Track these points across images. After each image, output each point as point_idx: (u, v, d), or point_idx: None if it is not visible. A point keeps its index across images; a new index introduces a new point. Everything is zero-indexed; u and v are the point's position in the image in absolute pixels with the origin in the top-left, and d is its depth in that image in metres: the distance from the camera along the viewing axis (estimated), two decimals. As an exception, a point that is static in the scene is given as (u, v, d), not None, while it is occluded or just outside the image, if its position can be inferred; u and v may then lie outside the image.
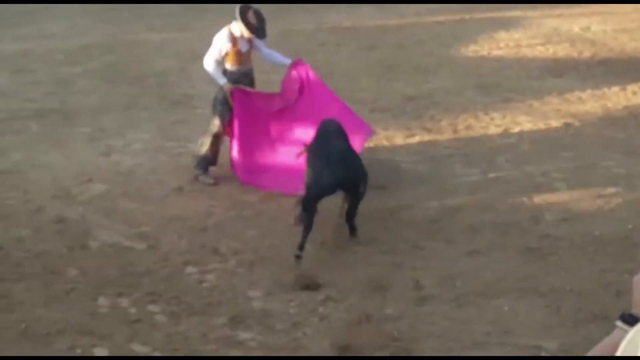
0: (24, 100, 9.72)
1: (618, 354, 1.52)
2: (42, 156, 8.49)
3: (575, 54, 11.98)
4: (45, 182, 7.90)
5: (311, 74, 8.19)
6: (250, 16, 7.96)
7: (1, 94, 10.33)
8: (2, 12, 14.82)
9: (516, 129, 9.15)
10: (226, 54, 8.02)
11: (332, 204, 7.36)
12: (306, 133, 7.56)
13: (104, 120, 9.47)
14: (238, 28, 7.96)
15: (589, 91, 10.34)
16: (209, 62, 8.04)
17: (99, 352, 5.32)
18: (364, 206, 7.33)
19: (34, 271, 6.26)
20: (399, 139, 8.92)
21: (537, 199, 7.42)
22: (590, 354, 1.90)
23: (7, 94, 10.34)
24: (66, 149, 8.67)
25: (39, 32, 13.15)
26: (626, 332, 1.83)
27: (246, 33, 7.92)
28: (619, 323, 1.89)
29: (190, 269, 6.36)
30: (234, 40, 7.98)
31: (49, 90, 10.51)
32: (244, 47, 8.05)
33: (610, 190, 7.56)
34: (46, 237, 6.81)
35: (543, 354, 5.20)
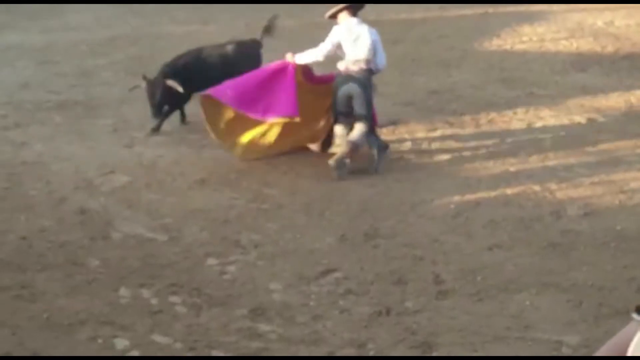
0: (48, 92, 9.79)
1: (630, 349, 1.51)
2: (65, 147, 8.55)
3: (599, 49, 11.90)
4: (68, 173, 7.96)
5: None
6: None
7: (26, 85, 10.41)
8: (28, 5, 14.93)
9: (539, 124, 9.10)
10: None
11: (356, 194, 7.37)
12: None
13: (126, 112, 9.52)
14: None
15: (612, 86, 10.27)
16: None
17: (120, 342, 5.35)
18: (384, 200, 7.34)
19: (57, 261, 6.31)
20: (421, 133, 8.89)
21: (560, 194, 7.38)
22: (606, 346, 1.89)
23: (32, 85, 10.43)
24: (89, 141, 8.72)
25: (64, 24, 13.24)
26: None
27: None
28: (634, 315, 1.87)
29: (211, 261, 6.38)
30: None
31: (72, 82, 10.58)
32: None
33: (633, 185, 7.51)
34: (69, 227, 6.86)
35: (564, 349, 5.17)
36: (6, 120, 9.22)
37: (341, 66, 8.10)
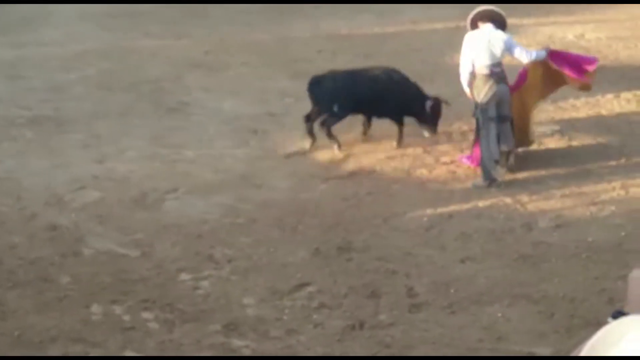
0: (18, 107, 9.73)
1: (585, 349, 1.51)
2: (36, 163, 8.48)
3: (570, 62, 11.99)
4: (38, 189, 7.89)
5: None
6: None
7: (-4, 100, 10.33)
8: (-1, 20, 14.83)
9: (511, 136, 9.13)
10: None
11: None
12: None
13: (98, 127, 9.46)
14: None
15: (583, 99, 10.33)
16: None
17: None
18: (357, 213, 7.35)
19: (27, 278, 6.25)
20: (395, 147, 8.91)
21: (531, 206, 7.42)
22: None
23: (2, 100, 10.34)
24: (60, 156, 8.66)
25: (35, 39, 13.14)
26: None
27: None
28: (610, 320, 1.88)
29: (184, 276, 6.35)
30: None
31: (43, 97, 10.50)
32: None
33: (604, 197, 7.57)
34: (39, 244, 6.81)
35: (536, 361, 5.20)
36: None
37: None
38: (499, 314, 5.70)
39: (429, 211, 7.37)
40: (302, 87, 9.95)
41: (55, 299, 5.99)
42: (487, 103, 8.14)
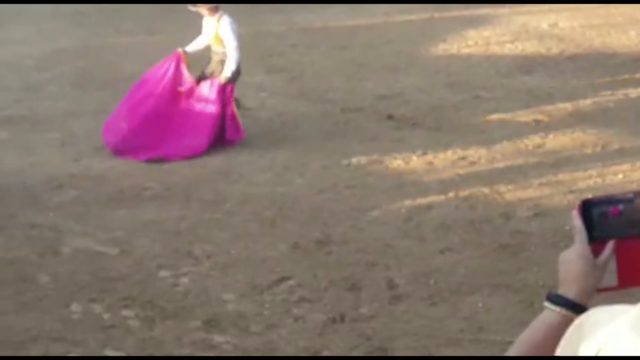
0: (-8, 107, 9.65)
1: (559, 349, 1.52)
2: (12, 162, 8.42)
3: (543, 51, 12.08)
4: (15, 188, 7.83)
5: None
6: None
7: (-31, 100, 10.24)
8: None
9: (486, 126, 9.19)
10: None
11: (304, 199, 7.38)
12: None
13: (74, 126, 9.40)
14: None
15: (557, 87, 10.42)
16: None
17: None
18: (335, 206, 7.36)
19: (5, 278, 6.21)
20: (370, 138, 8.93)
21: (509, 195, 7.46)
22: (519, 345, 1.88)
23: (-25, 100, 10.25)
24: (36, 155, 8.60)
25: (6, 37, 13.03)
26: (557, 312, 1.84)
27: None
28: (547, 304, 1.89)
29: (163, 273, 6.33)
30: None
31: (17, 96, 10.42)
32: None
33: (581, 185, 7.63)
34: (17, 244, 6.76)
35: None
36: (-51, 137, 9.05)
37: None
38: (480, 304, 5.73)
39: (407, 202, 7.39)
40: (277, 81, 9.96)
41: (34, 298, 5.95)
42: None
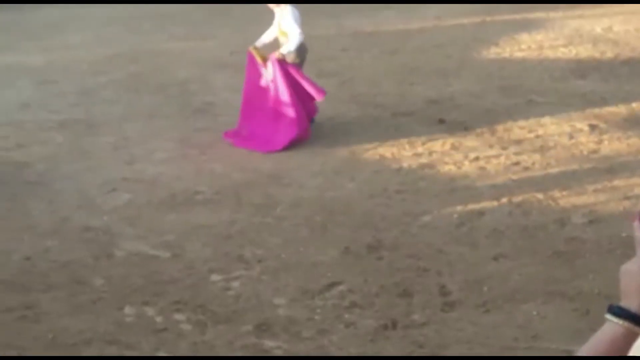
0: (48, 111, 9.80)
1: (632, 353, 1.48)
2: (67, 166, 8.54)
3: (598, 55, 11.90)
4: (70, 192, 7.95)
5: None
6: None
7: (26, 105, 10.41)
8: (27, 24, 14.96)
9: (540, 131, 9.09)
10: None
11: (356, 202, 7.36)
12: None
13: (127, 130, 9.52)
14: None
15: (612, 91, 10.26)
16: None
17: (126, 361, 5.33)
18: (386, 211, 7.33)
19: (60, 281, 6.29)
20: (422, 143, 8.88)
21: (563, 202, 7.36)
22: (583, 352, 1.85)
23: (32, 105, 10.43)
24: (90, 159, 8.72)
25: (63, 43, 13.25)
26: (619, 325, 1.81)
27: None
28: (609, 316, 1.85)
29: (215, 277, 6.36)
30: None
31: (73, 101, 10.58)
32: None
33: (637, 191, 7.48)
34: (72, 247, 6.85)
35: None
36: (7, 141, 9.21)
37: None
38: (534, 312, 5.64)
39: (459, 208, 7.33)
40: (328, 85, 9.95)
41: (88, 301, 6.01)
42: None
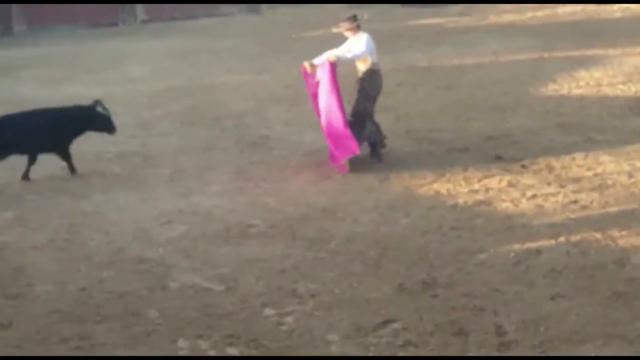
0: (107, 143, 9.94)
1: None
2: (123, 197, 8.64)
3: (658, 92, 11.72)
4: (126, 223, 8.02)
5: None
6: None
7: (85, 136, 10.57)
8: (88, 57, 15.27)
9: (599, 169, 8.95)
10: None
11: (410, 240, 7.30)
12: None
13: (183, 162, 9.61)
14: None
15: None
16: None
17: (179, 394, 5.32)
18: (441, 248, 7.25)
19: (115, 312, 6.32)
20: (478, 180, 8.80)
21: (622, 241, 7.20)
22: None
23: (92, 136, 10.58)
24: (146, 191, 8.81)
25: (122, 76, 13.49)
26: None
27: None
28: None
29: (268, 311, 6.34)
30: None
31: (131, 132, 10.73)
32: None
33: (700, 232, 7.31)
34: (127, 278, 6.89)
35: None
36: (66, 171, 9.35)
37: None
38: (593, 354, 5.51)
39: (515, 246, 7.22)
40: (384, 120, 9.94)
41: (143, 333, 6.03)
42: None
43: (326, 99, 9.17)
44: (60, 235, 7.76)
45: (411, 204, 8.29)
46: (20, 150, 9.20)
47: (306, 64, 9.39)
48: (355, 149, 9.11)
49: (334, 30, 9.49)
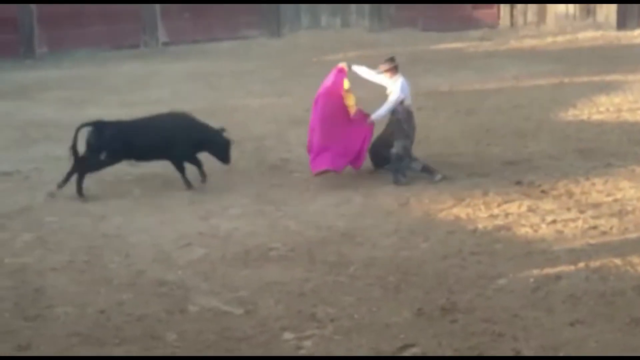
0: (127, 165, 9.99)
1: None
2: (143, 220, 8.68)
3: (678, 118, 11.68)
4: (145, 245, 8.06)
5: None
6: None
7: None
8: (110, 79, 15.40)
9: (619, 195, 8.92)
10: None
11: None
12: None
13: (202, 185, 9.64)
14: None
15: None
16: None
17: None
18: (461, 273, 7.24)
19: (134, 335, 6.35)
20: (498, 205, 8.79)
21: (643, 268, 7.17)
22: None
23: (112, 158, 10.65)
24: (166, 213, 8.85)
25: (144, 98, 13.58)
26: None
27: None
28: None
29: (287, 335, 6.35)
30: None
31: (151, 155, 10.76)
32: None
33: None
34: (146, 300, 6.92)
35: None
36: (86, 193, 9.41)
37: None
38: (612, 382, 5.49)
39: (535, 272, 7.21)
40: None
41: (161, 356, 6.05)
42: None
43: (321, 107, 9.59)
44: (80, 257, 7.81)
45: (431, 229, 8.29)
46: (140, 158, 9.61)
47: (344, 64, 9.71)
48: (330, 165, 9.49)
49: (354, 69, 9.74)
